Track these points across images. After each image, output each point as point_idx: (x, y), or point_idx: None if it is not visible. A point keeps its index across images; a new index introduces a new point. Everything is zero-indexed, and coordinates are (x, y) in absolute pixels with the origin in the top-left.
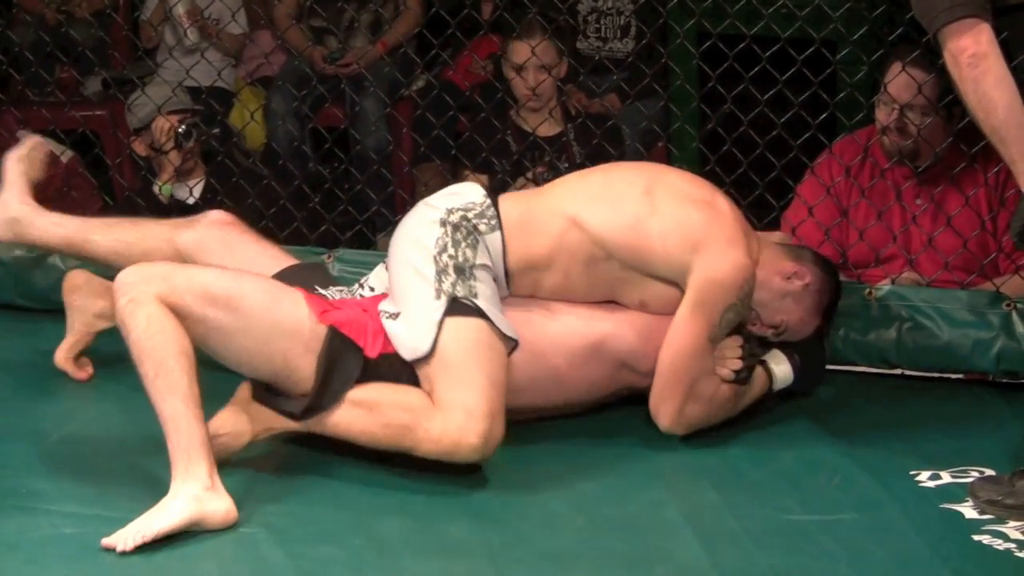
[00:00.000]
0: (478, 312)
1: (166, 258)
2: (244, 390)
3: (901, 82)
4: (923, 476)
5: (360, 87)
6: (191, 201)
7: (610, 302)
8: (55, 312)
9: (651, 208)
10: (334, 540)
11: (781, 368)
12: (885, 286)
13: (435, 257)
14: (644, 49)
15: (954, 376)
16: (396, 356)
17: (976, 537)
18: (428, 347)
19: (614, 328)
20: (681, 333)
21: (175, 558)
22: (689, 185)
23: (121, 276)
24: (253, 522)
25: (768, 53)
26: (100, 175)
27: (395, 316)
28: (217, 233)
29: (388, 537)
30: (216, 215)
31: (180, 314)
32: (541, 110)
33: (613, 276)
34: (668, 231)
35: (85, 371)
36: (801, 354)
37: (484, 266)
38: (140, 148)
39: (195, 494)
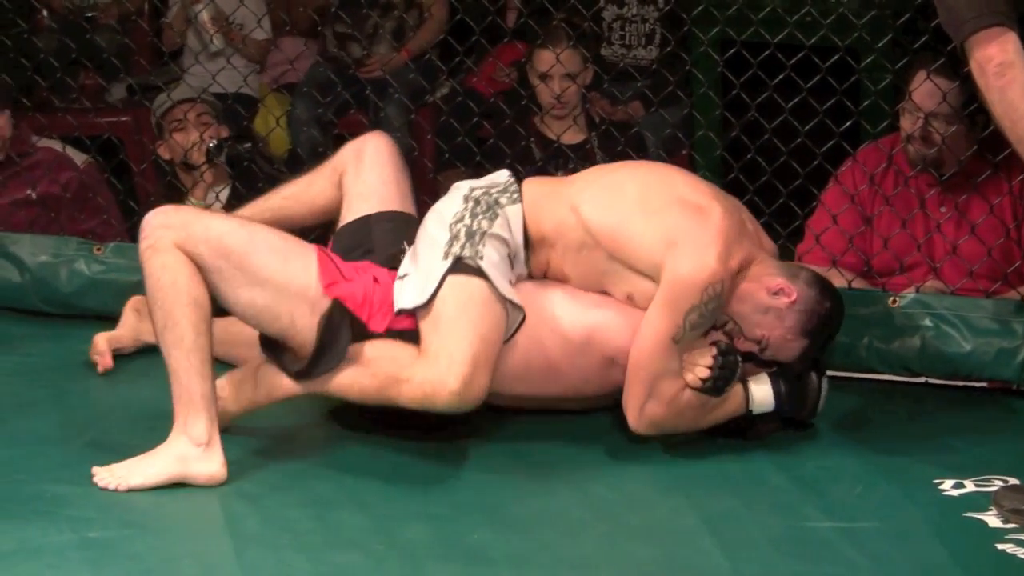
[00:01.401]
0: (480, 273)
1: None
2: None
3: (925, 90)
4: (947, 484)
5: (384, 93)
6: (217, 207)
7: (605, 295)
8: (78, 318)
9: (641, 205)
10: (356, 546)
11: (761, 390)
12: (909, 294)
13: (451, 225)
14: (668, 56)
15: (978, 384)
16: (404, 333)
17: (1000, 546)
18: (424, 299)
19: (604, 320)
20: (647, 330)
21: (196, 563)
22: (688, 189)
23: (146, 218)
24: (275, 527)
25: (792, 61)
26: (124, 182)
27: (404, 278)
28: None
29: (410, 543)
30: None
31: (195, 262)
32: (566, 118)
33: (601, 266)
34: (648, 228)
35: (106, 362)
36: (789, 382)
37: (499, 237)
38: (165, 152)
39: (183, 452)
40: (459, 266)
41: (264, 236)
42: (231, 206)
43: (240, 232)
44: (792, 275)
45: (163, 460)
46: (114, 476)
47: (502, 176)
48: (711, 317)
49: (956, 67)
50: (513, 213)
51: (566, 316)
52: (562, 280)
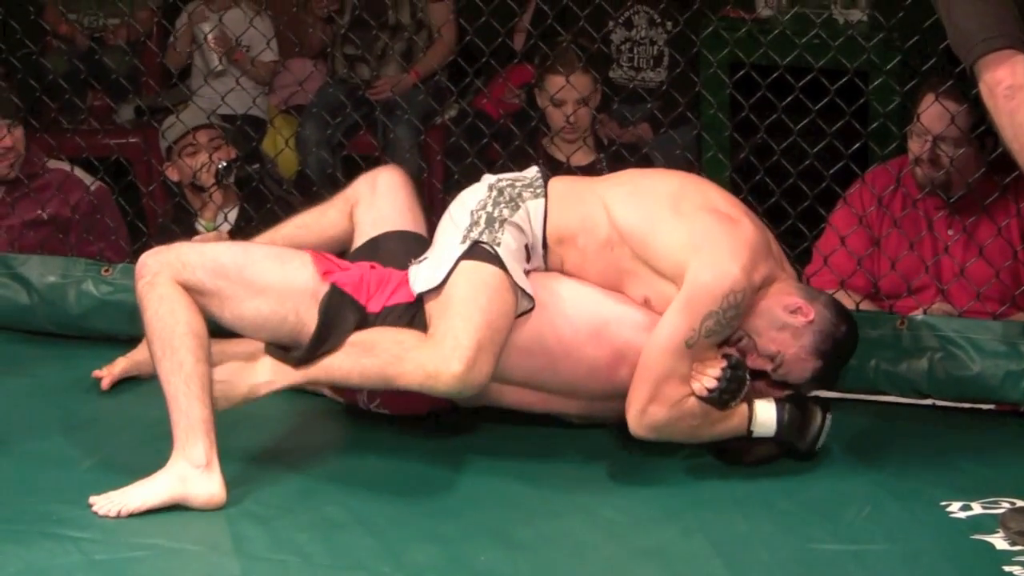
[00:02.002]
0: (496, 260)
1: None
2: (252, 346)
3: (934, 113)
4: (954, 507)
5: (393, 115)
6: (226, 228)
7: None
8: (86, 339)
9: (673, 207)
10: (363, 567)
11: (765, 412)
12: (917, 316)
13: (472, 211)
14: (677, 78)
15: (985, 407)
16: (398, 307)
17: (1007, 568)
18: (438, 281)
19: (618, 315)
20: (662, 330)
21: None
22: (721, 199)
23: (141, 259)
24: (283, 549)
25: (801, 83)
26: (133, 203)
27: (421, 261)
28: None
29: (417, 565)
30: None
31: (195, 290)
32: (576, 140)
33: (623, 265)
34: (677, 230)
35: (110, 379)
36: (793, 411)
37: (519, 226)
38: (173, 174)
39: (182, 474)
40: (475, 250)
41: (257, 248)
42: (239, 227)
43: (233, 249)
44: (811, 297)
45: (162, 482)
46: (112, 503)
47: (530, 172)
48: (728, 327)
49: (964, 90)
50: (535, 208)
51: (581, 304)
52: (575, 276)
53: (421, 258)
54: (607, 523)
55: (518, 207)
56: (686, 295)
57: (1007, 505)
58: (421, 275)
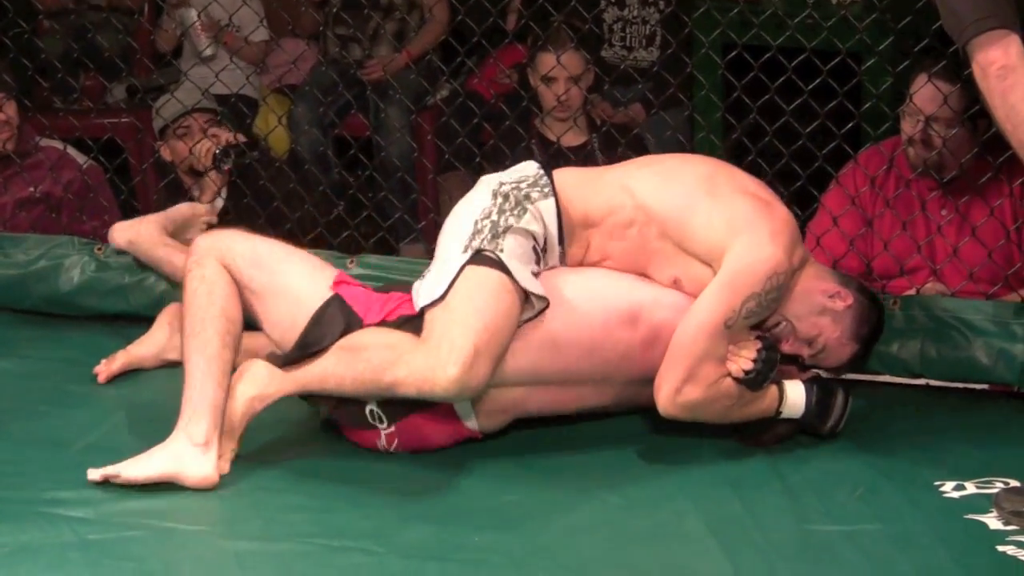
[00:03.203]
0: (498, 265)
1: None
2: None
3: (926, 94)
4: (947, 487)
5: (385, 95)
6: (219, 205)
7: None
8: (78, 319)
9: (707, 190)
10: (358, 548)
11: (795, 394)
12: (910, 296)
13: (476, 221)
14: (669, 59)
15: (978, 387)
16: (399, 320)
17: (1000, 548)
18: (440, 294)
19: (651, 298)
20: (700, 310)
21: (197, 565)
22: (753, 184)
23: (196, 238)
24: (276, 529)
25: (793, 64)
26: (125, 182)
27: (424, 276)
28: None
29: (412, 545)
30: None
31: (232, 275)
32: (567, 120)
33: (649, 245)
34: (716, 212)
35: (107, 374)
36: (820, 393)
37: (526, 231)
38: (167, 153)
39: (178, 452)
40: (477, 258)
41: (300, 253)
42: (228, 206)
43: (276, 248)
44: (844, 281)
45: (158, 457)
46: (106, 471)
47: (530, 168)
48: (768, 308)
49: (957, 70)
50: (546, 207)
51: (611, 290)
52: (603, 264)
53: (424, 272)
54: (602, 505)
55: (525, 211)
56: (727, 276)
57: (1000, 485)
58: (424, 290)
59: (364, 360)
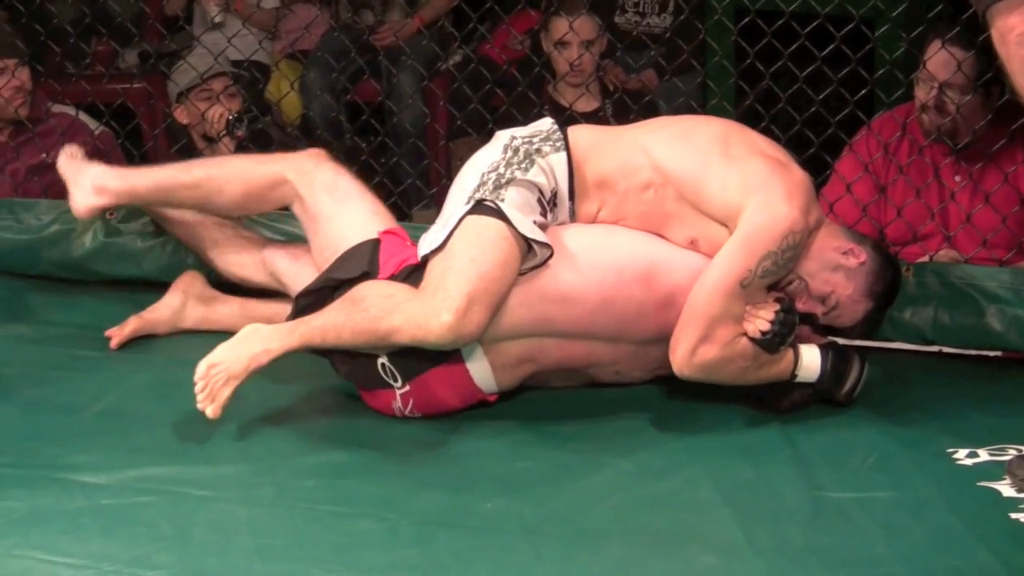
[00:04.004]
0: (497, 214)
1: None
2: (275, 307)
3: (940, 60)
4: (960, 454)
5: (397, 61)
6: None
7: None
8: (90, 284)
9: (722, 151)
10: (369, 514)
11: (810, 357)
12: (923, 263)
13: (483, 173)
14: (682, 25)
15: (991, 354)
16: (402, 271)
17: (1013, 515)
18: (440, 242)
19: (668, 259)
20: (716, 270)
21: (210, 530)
22: (768, 145)
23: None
24: (289, 495)
25: (807, 30)
26: (137, 148)
27: (430, 229)
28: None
29: (423, 512)
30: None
31: (301, 197)
32: (580, 86)
33: (666, 207)
34: (731, 172)
35: (119, 339)
36: (835, 358)
37: (530, 183)
38: (182, 116)
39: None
40: (478, 208)
41: (371, 197)
42: None
43: (354, 184)
44: (858, 239)
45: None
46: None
47: (545, 124)
48: (784, 268)
49: (971, 37)
50: (557, 161)
51: (626, 247)
52: (619, 224)
53: (433, 225)
54: (614, 472)
55: (533, 163)
56: (744, 235)
57: (1014, 452)
58: (427, 239)
59: (362, 310)
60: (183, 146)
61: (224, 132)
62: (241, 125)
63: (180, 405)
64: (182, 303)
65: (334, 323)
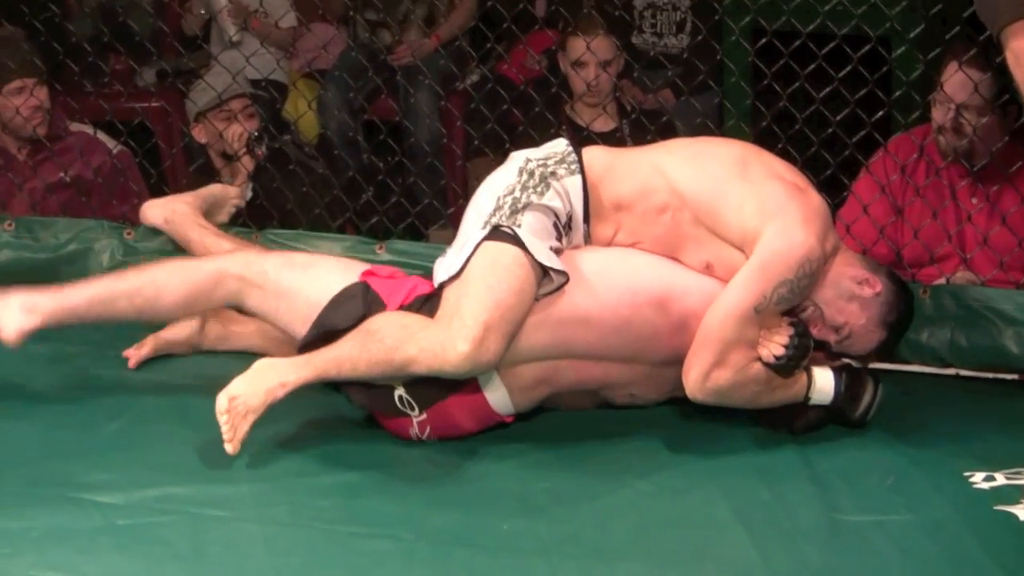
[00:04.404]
0: (514, 240)
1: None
2: (256, 323)
3: (957, 81)
4: (977, 477)
5: (414, 80)
6: (249, 195)
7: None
8: None
9: (740, 174)
10: (386, 534)
11: (823, 380)
12: (940, 285)
13: (499, 197)
14: (699, 45)
15: (1008, 377)
16: (416, 301)
17: None
18: (456, 269)
19: (683, 283)
20: (731, 294)
21: (226, 549)
22: (785, 169)
23: (233, 255)
24: (305, 515)
25: (824, 50)
26: (154, 166)
27: (446, 253)
28: None
29: (440, 531)
30: None
31: (257, 287)
32: (597, 105)
33: (682, 230)
34: (748, 196)
35: (136, 359)
36: (849, 380)
37: (546, 207)
38: (200, 135)
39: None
40: (494, 234)
41: (331, 256)
42: (256, 188)
43: (309, 253)
44: (874, 268)
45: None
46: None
47: (559, 145)
48: (800, 294)
49: (988, 58)
50: (572, 184)
51: (641, 271)
52: (634, 247)
53: (447, 249)
54: (631, 492)
55: (549, 186)
56: (760, 261)
57: None
58: (443, 266)
59: (377, 341)
60: (201, 165)
61: (244, 151)
62: (261, 144)
63: (197, 424)
64: (200, 323)
65: (349, 355)
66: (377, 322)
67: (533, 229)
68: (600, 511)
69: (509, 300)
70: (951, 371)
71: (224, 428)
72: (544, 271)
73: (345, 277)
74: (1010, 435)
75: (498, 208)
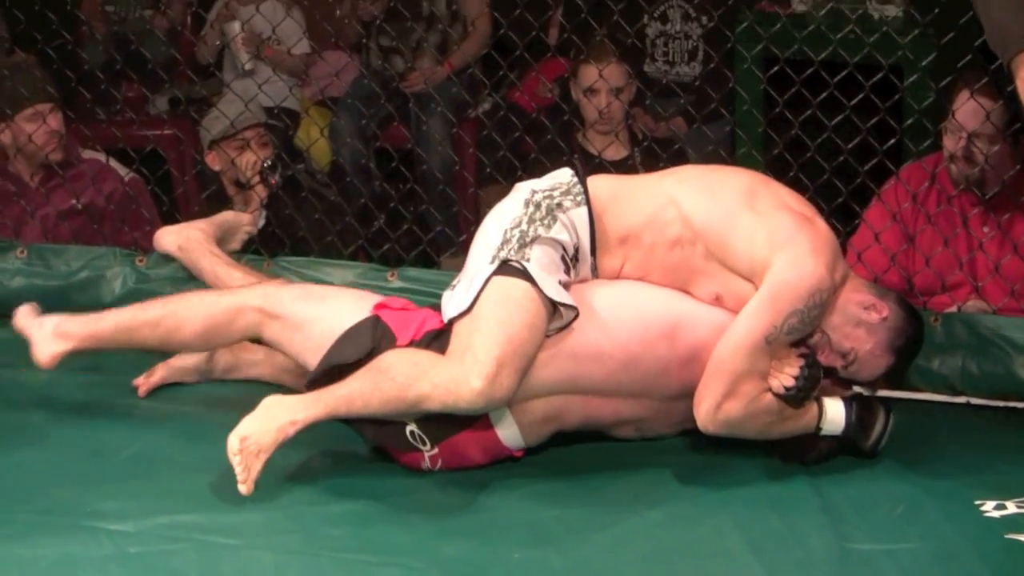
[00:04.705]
0: (523, 275)
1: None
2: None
3: (968, 110)
4: (988, 506)
5: (426, 107)
6: (261, 222)
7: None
8: None
9: (749, 205)
10: (397, 563)
11: (834, 410)
12: (951, 313)
13: (506, 230)
14: (711, 73)
15: (1020, 405)
16: (427, 336)
17: None
18: (467, 305)
19: (692, 315)
20: (741, 326)
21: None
22: (793, 199)
23: (254, 288)
24: (316, 544)
25: (836, 78)
26: (167, 193)
27: (455, 287)
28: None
29: (452, 560)
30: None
31: (274, 319)
32: (610, 133)
33: (694, 263)
34: (758, 227)
35: (147, 387)
36: (860, 409)
37: (554, 240)
38: (214, 162)
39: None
40: (504, 269)
41: (348, 289)
42: (269, 216)
43: (326, 286)
44: (881, 293)
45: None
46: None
47: (564, 176)
48: (810, 324)
49: (1000, 86)
50: (578, 216)
51: (650, 304)
52: (643, 278)
53: (454, 282)
54: (641, 521)
55: (555, 219)
56: (770, 292)
57: None
58: (452, 301)
59: (389, 379)
60: (214, 192)
61: (258, 180)
62: (274, 172)
63: (207, 452)
64: (211, 352)
65: (360, 392)
66: (388, 359)
67: (542, 263)
68: (611, 540)
69: (521, 335)
70: (962, 399)
71: (237, 469)
72: (554, 306)
73: (359, 309)
74: (1021, 463)
75: (505, 241)
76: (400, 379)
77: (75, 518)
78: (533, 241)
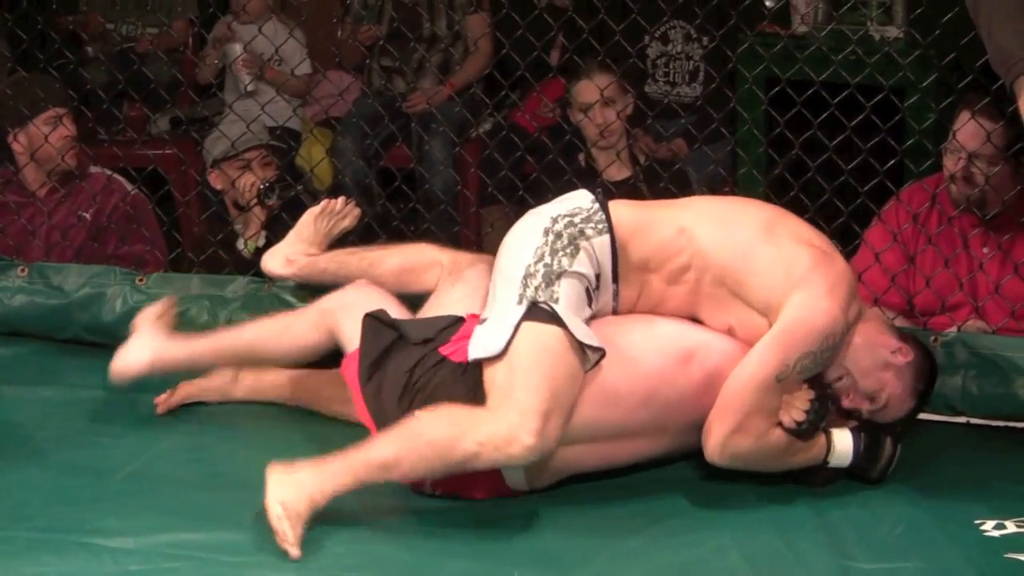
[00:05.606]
0: (556, 319)
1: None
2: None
3: (969, 131)
4: (988, 525)
5: (428, 127)
6: (261, 242)
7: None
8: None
9: (767, 239)
10: None
11: (842, 442)
12: (951, 333)
13: (529, 264)
14: (712, 94)
15: (1019, 425)
16: (453, 365)
17: None
18: (500, 348)
19: (706, 341)
20: (753, 363)
21: None
22: (812, 234)
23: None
24: (319, 562)
25: (837, 99)
26: (168, 214)
27: (483, 322)
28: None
29: None
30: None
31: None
32: (610, 150)
33: (705, 292)
34: (776, 262)
35: (165, 406)
36: (867, 440)
37: (579, 274)
38: (216, 181)
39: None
40: (534, 312)
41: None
42: (270, 237)
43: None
44: (901, 335)
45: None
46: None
47: (584, 200)
48: (823, 364)
49: (1000, 107)
50: (600, 245)
51: (664, 334)
52: (653, 309)
53: (482, 317)
54: (643, 540)
55: (578, 250)
56: (783, 330)
57: None
58: (482, 340)
59: (427, 443)
60: (215, 212)
61: (255, 202)
62: (272, 195)
63: (209, 470)
64: (234, 372)
65: (396, 458)
66: (422, 422)
67: (570, 302)
68: (612, 559)
69: (563, 386)
70: (962, 419)
71: (286, 534)
72: (582, 348)
73: (472, 308)
74: (1021, 483)
75: (530, 276)
76: (441, 441)
77: (76, 535)
78: (559, 276)
